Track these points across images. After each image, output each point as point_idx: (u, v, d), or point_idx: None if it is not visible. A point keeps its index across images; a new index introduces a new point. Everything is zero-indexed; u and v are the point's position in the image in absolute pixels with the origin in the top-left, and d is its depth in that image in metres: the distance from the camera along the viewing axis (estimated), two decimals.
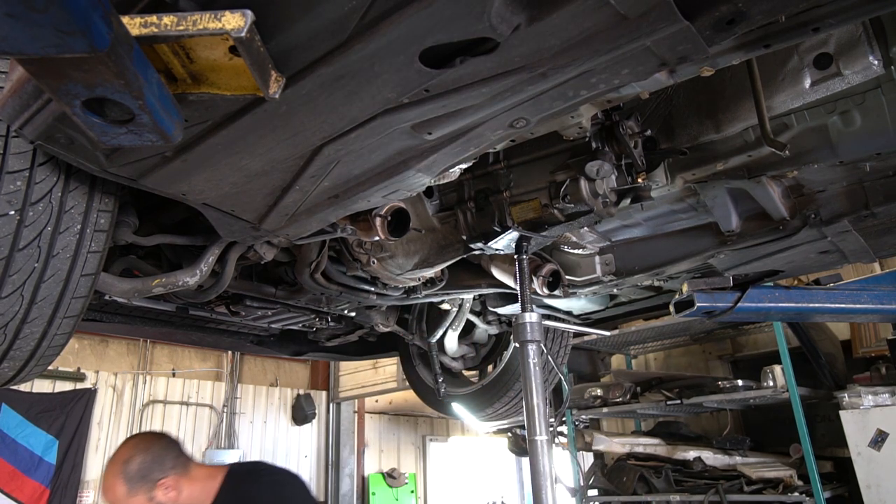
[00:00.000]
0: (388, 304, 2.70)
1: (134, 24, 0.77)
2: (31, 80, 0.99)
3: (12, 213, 1.22)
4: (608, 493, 5.59)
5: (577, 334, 5.18)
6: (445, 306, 3.13)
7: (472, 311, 3.24)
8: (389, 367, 8.59)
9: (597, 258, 2.49)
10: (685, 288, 2.17)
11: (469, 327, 3.43)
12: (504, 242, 2.00)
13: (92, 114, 0.80)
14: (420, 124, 1.19)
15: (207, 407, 8.49)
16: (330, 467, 9.23)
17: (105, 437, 7.43)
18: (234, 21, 0.78)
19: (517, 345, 1.86)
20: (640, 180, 1.87)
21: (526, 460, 8.87)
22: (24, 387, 6.54)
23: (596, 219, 1.88)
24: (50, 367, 1.75)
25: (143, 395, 7.85)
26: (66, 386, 7.13)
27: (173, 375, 8.24)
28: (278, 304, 2.57)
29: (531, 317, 1.81)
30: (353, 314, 2.86)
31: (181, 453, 1.93)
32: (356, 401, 9.61)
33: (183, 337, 3.16)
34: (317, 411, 9.28)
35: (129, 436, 1.93)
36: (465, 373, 3.83)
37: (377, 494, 9.26)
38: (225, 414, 8.56)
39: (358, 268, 2.24)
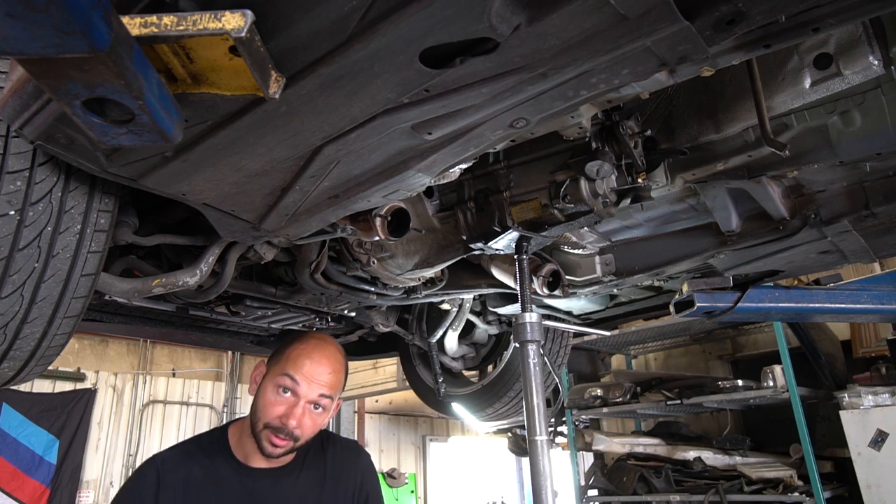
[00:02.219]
0: (388, 304, 2.69)
1: (134, 25, 0.77)
2: (31, 80, 0.99)
3: (12, 213, 1.22)
4: (608, 493, 5.59)
5: (577, 334, 5.19)
6: (445, 306, 3.13)
7: (472, 311, 3.23)
8: (389, 367, 8.58)
9: (597, 258, 2.49)
10: (685, 288, 2.17)
11: (469, 327, 3.42)
12: (504, 242, 2.00)
13: (92, 114, 0.80)
14: (420, 124, 1.19)
15: (207, 407, 8.49)
16: None
17: (105, 437, 7.43)
18: (234, 21, 0.78)
19: (517, 345, 1.86)
20: (640, 180, 1.87)
21: (526, 460, 8.87)
22: (24, 387, 6.55)
23: (596, 219, 1.88)
24: (50, 367, 1.75)
25: (143, 395, 7.85)
26: (66, 386, 7.14)
27: (173, 375, 8.24)
28: (278, 304, 2.57)
29: (531, 317, 1.80)
30: (353, 314, 2.85)
31: None
32: (356, 401, 9.61)
33: (183, 337, 3.17)
34: None
35: None
36: (465, 373, 3.83)
37: None
38: (225, 414, 8.56)
39: (358, 268, 2.24)
